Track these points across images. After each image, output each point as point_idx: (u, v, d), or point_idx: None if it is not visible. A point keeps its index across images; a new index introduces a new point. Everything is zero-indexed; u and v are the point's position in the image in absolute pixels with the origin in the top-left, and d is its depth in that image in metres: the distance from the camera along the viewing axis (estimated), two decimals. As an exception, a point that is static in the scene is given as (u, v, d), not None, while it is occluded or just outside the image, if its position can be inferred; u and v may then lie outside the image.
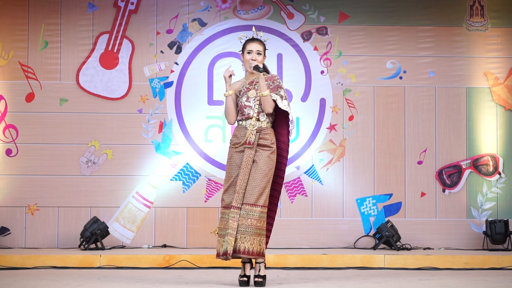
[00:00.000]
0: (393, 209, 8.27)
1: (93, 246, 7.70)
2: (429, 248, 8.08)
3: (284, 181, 7.89)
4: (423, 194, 8.29)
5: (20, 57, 8.17)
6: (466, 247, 8.17)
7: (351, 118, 8.31)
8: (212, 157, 8.22)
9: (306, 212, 8.23)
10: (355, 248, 8.10)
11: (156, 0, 8.31)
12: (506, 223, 7.98)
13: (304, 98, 8.33)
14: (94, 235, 7.66)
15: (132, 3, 8.27)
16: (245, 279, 5.61)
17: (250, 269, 5.66)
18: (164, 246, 8.06)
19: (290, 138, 5.80)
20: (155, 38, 8.28)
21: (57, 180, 8.09)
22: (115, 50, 8.23)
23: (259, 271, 5.58)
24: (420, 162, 8.33)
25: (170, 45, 8.29)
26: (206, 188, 8.20)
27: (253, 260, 5.66)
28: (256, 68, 5.60)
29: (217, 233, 5.64)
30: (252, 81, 5.75)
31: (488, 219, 8.06)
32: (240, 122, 5.73)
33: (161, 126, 8.21)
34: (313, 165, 8.27)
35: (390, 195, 8.29)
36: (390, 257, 7.30)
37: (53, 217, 8.07)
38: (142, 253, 7.33)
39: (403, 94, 8.36)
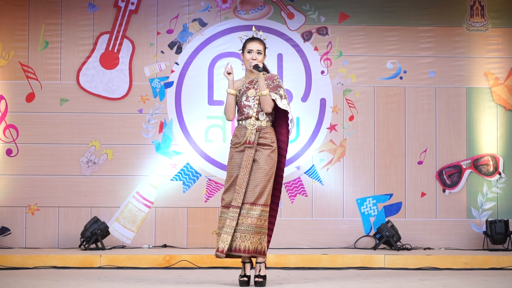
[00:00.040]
0: (393, 209, 8.27)
1: (93, 246, 7.70)
2: (429, 248, 8.08)
3: (285, 181, 7.92)
4: (423, 194, 8.29)
5: (20, 57, 8.17)
6: (466, 247, 8.17)
7: (351, 118, 8.32)
8: (213, 157, 8.22)
9: (307, 212, 8.23)
10: (355, 248, 8.10)
11: (156, 0, 8.31)
12: (506, 223, 7.98)
13: (305, 98, 8.33)
14: (95, 235, 7.66)
15: (132, 3, 8.27)
16: (245, 279, 5.61)
17: (251, 269, 5.67)
18: (165, 246, 8.06)
19: (290, 137, 5.81)
20: (155, 38, 8.28)
21: (58, 180, 8.10)
22: (115, 50, 8.24)
23: (259, 271, 5.58)
24: (420, 162, 8.33)
25: (171, 45, 8.29)
26: (207, 188, 8.20)
27: (254, 260, 5.66)
28: (256, 67, 5.60)
29: (216, 233, 5.66)
30: (252, 80, 5.75)
31: (488, 219, 8.06)
32: (240, 122, 5.73)
33: (162, 126, 8.21)
34: (313, 165, 8.27)
35: (391, 195, 8.29)
36: (391, 257, 7.30)
37: (53, 217, 8.07)
38: (143, 253, 7.33)
39: (404, 94, 8.36)
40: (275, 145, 5.66)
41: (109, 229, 7.88)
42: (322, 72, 8.35)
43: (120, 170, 8.15)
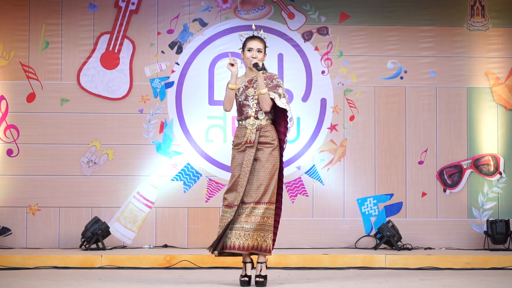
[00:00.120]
0: (394, 209, 8.26)
1: (94, 246, 7.70)
2: (430, 248, 8.07)
3: (285, 181, 7.91)
4: (424, 194, 8.29)
5: (21, 57, 8.17)
6: (467, 247, 8.17)
7: (352, 118, 8.31)
8: (213, 157, 8.22)
9: (307, 212, 8.23)
10: (356, 248, 8.09)
11: (157, 0, 8.31)
12: (507, 223, 7.98)
13: (305, 98, 8.32)
14: (95, 235, 7.66)
15: (133, 3, 8.27)
16: (246, 279, 5.61)
17: (251, 269, 5.67)
18: (165, 246, 8.06)
19: (290, 137, 5.81)
20: (156, 38, 8.28)
21: (58, 180, 8.10)
22: (116, 50, 8.24)
23: (260, 271, 5.58)
24: (421, 162, 8.32)
25: (171, 45, 8.29)
26: (207, 188, 8.20)
27: (254, 260, 5.66)
28: (255, 66, 5.60)
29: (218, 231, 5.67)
30: (251, 79, 5.75)
31: (489, 219, 8.06)
32: (240, 122, 5.73)
33: (162, 126, 8.21)
34: (314, 165, 8.27)
35: (391, 195, 8.29)
36: (391, 257, 7.30)
37: (54, 217, 8.07)
38: (143, 253, 7.33)
39: (404, 94, 8.36)
40: (276, 142, 5.67)
41: (109, 229, 7.88)
42: (323, 72, 8.34)
43: (120, 170, 8.15)
